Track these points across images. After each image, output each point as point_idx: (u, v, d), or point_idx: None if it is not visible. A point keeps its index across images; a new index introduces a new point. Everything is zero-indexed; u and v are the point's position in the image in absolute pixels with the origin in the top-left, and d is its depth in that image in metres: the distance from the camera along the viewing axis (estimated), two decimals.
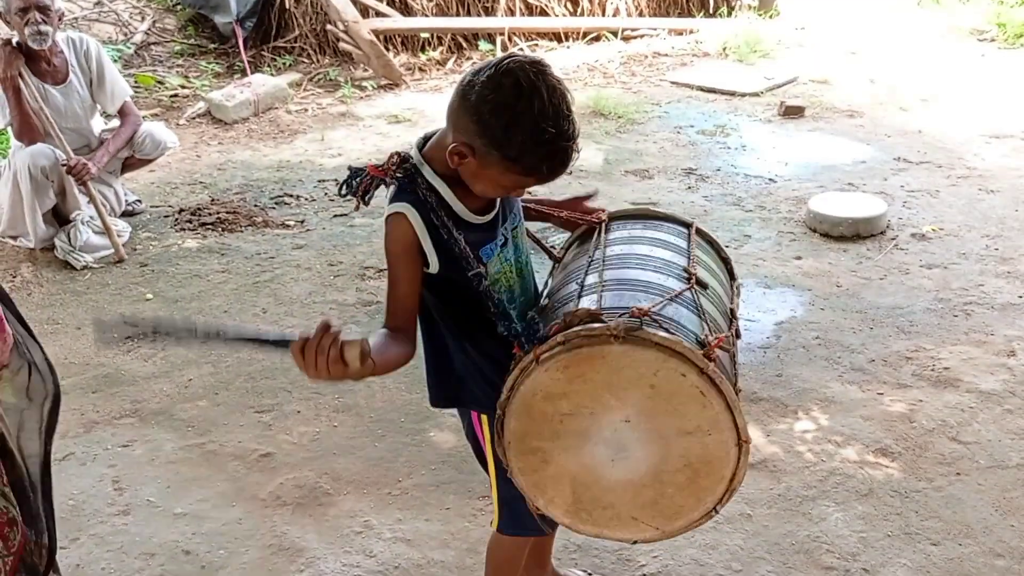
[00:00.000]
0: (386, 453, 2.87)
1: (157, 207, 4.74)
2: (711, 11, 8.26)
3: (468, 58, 7.31)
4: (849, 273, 3.91)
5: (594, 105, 6.20)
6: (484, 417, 1.85)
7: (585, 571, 2.34)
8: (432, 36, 7.30)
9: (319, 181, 5.08)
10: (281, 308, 3.76)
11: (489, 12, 7.44)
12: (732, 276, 1.98)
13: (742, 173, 5.07)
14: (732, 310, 1.82)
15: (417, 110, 6.25)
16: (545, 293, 1.88)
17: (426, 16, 7.24)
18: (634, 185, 4.92)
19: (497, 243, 1.72)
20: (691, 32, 7.95)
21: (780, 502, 2.59)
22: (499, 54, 7.01)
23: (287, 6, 6.96)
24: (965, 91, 6.44)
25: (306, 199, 4.86)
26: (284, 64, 6.96)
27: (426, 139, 1.69)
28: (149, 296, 3.86)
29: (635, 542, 1.74)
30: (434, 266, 1.66)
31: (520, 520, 1.91)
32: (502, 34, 7.32)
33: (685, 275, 1.72)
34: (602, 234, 1.88)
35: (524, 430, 1.62)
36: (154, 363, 3.38)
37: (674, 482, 1.61)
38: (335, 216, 4.64)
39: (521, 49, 7.35)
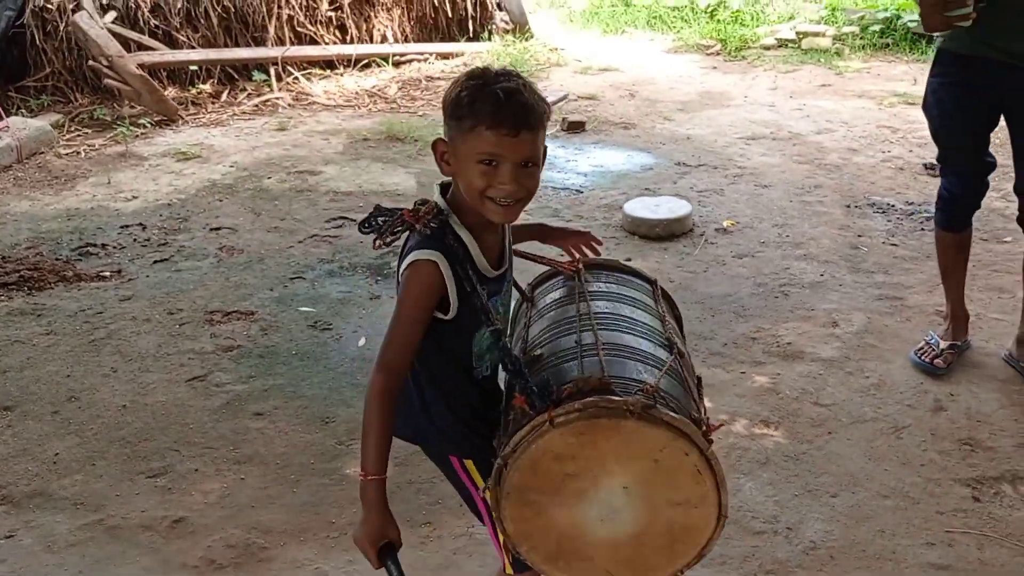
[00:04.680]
0: (308, 498, 2.78)
1: None
2: (472, 35, 8.57)
3: (242, 89, 7.09)
4: (676, 269, 4.29)
5: (387, 131, 6.26)
6: (469, 463, 1.89)
7: None
8: (201, 68, 7.00)
9: (122, 227, 4.74)
10: (132, 365, 3.49)
11: (259, 42, 7.26)
12: (682, 334, 2.08)
13: (549, 186, 5.35)
14: (699, 378, 1.92)
15: (205, 145, 5.98)
16: (530, 339, 1.91)
17: (194, 48, 6.93)
18: None
19: (502, 295, 1.81)
20: (457, 56, 8.22)
21: None
22: (274, 84, 6.94)
23: (37, 42, 6.38)
24: (711, 99, 7.19)
25: (114, 247, 4.52)
26: (39, 105, 6.37)
27: (444, 187, 1.74)
28: None
29: None
30: (452, 312, 1.71)
31: None
32: (275, 64, 7.17)
33: (667, 343, 1.83)
34: (582, 284, 1.95)
35: (526, 484, 1.67)
36: (4, 442, 3.03)
37: (653, 544, 1.70)
38: (155, 262, 4.36)
39: (296, 78, 7.24)
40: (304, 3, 7.42)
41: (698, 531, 1.68)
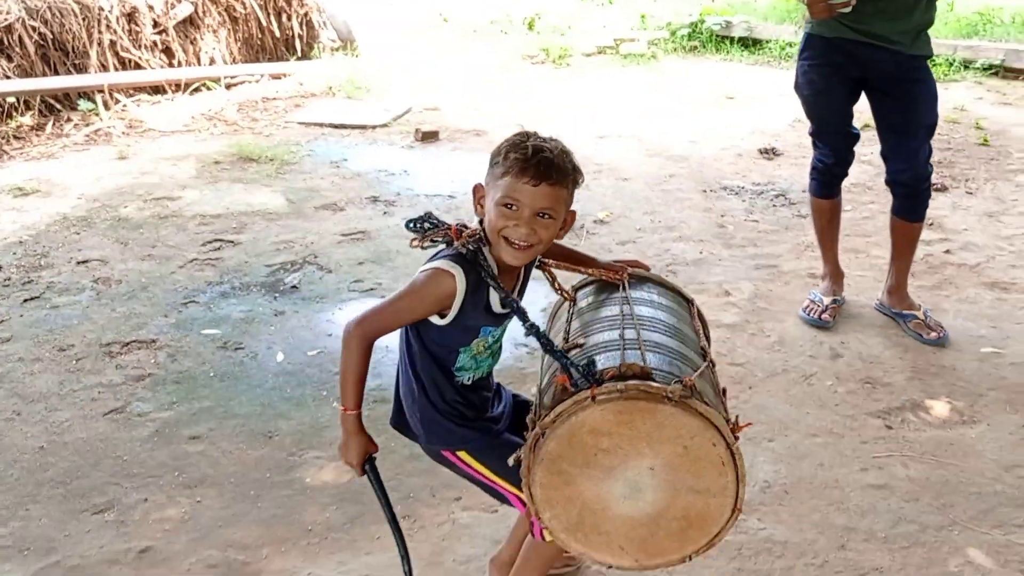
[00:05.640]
0: (276, 510, 2.71)
1: None
2: (301, 54, 8.47)
3: (68, 120, 6.66)
4: None
5: (239, 152, 6.09)
6: (462, 453, 2.03)
7: None
8: (19, 100, 6.52)
9: None
10: (36, 406, 3.24)
11: (80, 69, 6.86)
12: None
13: (422, 194, 5.42)
14: (724, 389, 2.04)
15: (42, 179, 5.58)
16: (572, 331, 2.02)
17: (8, 78, 6.45)
18: (334, 219, 5.00)
19: (497, 329, 1.98)
20: (287, 76, 8.09)
21: None
22: (102, 112, 6.58)
23: None
24: (550, 105, 7.48)
25: None
26: None
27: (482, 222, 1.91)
28: None
29: (610, 567, 1.92)
30: (447, 320, 1.88)
31: None
32: (101, 91, 6.80)
33: (701, 352, 1.97)
34: (626, 289, 2.07)
35: (560, 453, 1.78)
36: None
37: (668, 528, 1.82)
38: (25, 301, 4.05)
39: (124, 106, 6.90)
40: (127, 27, 7.08)
41: (712, 520, 1.80)
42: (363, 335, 1.87)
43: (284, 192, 5.42)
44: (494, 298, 1.89)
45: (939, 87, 3.51)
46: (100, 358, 3.57)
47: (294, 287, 4.20)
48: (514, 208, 1.82)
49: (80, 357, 3.57)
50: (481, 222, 1.92)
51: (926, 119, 3.37)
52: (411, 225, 1.88)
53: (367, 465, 2.00)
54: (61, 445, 3.03)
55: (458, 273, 1.83)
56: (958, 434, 3.05)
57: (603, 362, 1.81)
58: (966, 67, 8.24)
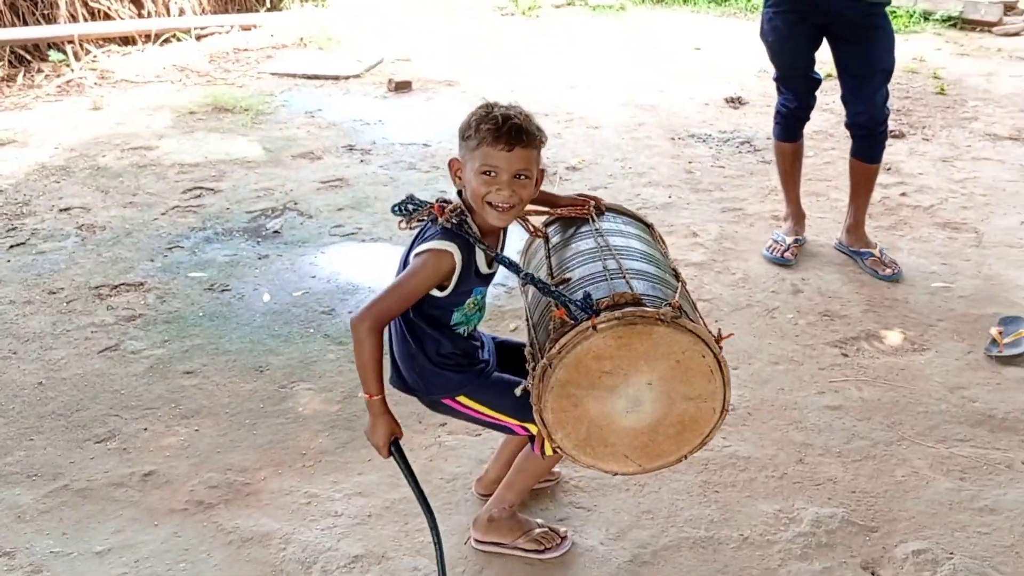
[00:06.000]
0: (271, 437, 2.87)
1: None
2: (270, 5, 8.45)
3: (39, 71, 6.65)
4: None
5: (213, 103, 6.14)
6: (461, 398, 2.21)
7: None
8: None
9: None
10: (32, 345, 3.36)
11: (49, 20, 6.82)
12: None
13: (397, 143, 5.52)
14: (695, 302, 2.25)
15: (17, 130, 5.60)
16: (555, 267, 2.18)
17: None
18: (312, 167, 5.10)
19: (485, 288, 2.16)
20: (257, 27, 8.09)
21: None
22: (73, 63, 6.58)
23: None
24: (522, 55, 7.57)
25: None
26: None
27: (460, 194, 2.06)
28: None
29: (616, 474, 2.13)
30: (447, 292, 2.05)
31: None
32: (71, 42, 6.78)
33: (674, 272, 2.16)
34: (595, 222, 2.23)
35: (568, 379, 1.96)
36: None
37: (666, 433, 2.03)
38: (11, 247, 4.13)
39: (95, 57, 6.89)
40: None
41: (704, 421, 2.02)
42: (373, 326, 1.98)
43: (261, 141, 5.49)
44: (481, 262, 2.05)
45: (899, 38, 3.68)
46: (90, 300, 3.68)
47: (276, 232, 4.31)
48: (493, 174, 1.96)
49: (71, 299, 3.68)
50: (459, 193, 2.07)
51: (883, 64, 3.53)
52: (396, 209, 2.03)
53: (392, 447, 2.10)
54: (59, 381, 3.15)
55: (453, 249, 1.98)
56: (908, 360, 3.27)
57: (594, 293, 1.98)
58: (926, 19, 8.43)
